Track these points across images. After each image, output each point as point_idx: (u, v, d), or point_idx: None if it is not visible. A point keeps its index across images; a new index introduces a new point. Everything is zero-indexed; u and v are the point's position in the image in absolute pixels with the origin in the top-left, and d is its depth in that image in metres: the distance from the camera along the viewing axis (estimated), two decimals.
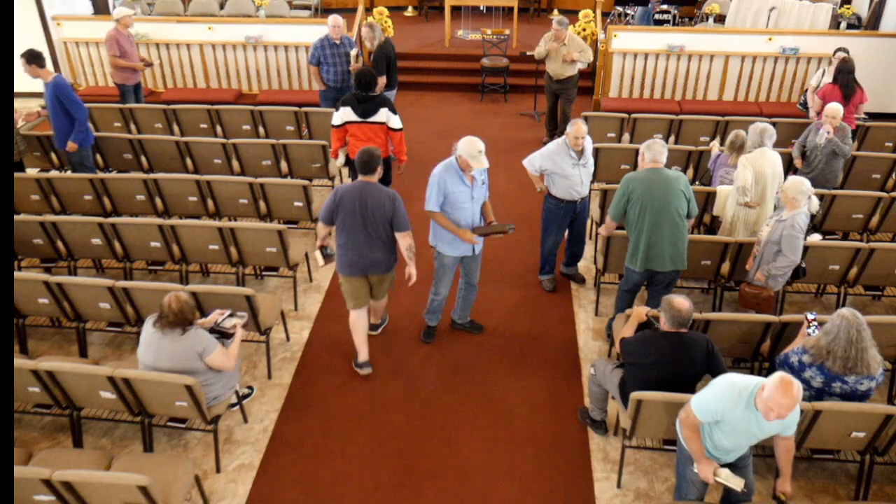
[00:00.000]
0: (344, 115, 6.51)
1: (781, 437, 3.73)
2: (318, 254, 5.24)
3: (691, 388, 4.22)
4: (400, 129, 6.55)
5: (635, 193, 5.19)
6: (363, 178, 4.95)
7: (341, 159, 6.77)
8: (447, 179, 5.12)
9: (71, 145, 6.98)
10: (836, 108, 6.45)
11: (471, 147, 5.03)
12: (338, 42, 8.17)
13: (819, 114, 7.23)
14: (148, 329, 4.37)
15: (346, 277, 5.14)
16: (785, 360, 4.23)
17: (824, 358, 4.02)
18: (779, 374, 3.37)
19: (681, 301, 4.17)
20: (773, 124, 6.19)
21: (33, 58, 6.67)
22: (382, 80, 8.04)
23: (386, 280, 5.26)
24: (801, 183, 5.01)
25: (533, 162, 5.97)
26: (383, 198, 4.92)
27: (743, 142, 6.12)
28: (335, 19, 8.13)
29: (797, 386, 3.32)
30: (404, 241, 5.03)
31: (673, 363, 4.17)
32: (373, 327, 5.77)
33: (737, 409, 3.51)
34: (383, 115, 6.49)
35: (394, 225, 4.96)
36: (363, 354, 5.41)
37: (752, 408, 3.47)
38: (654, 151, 5.23)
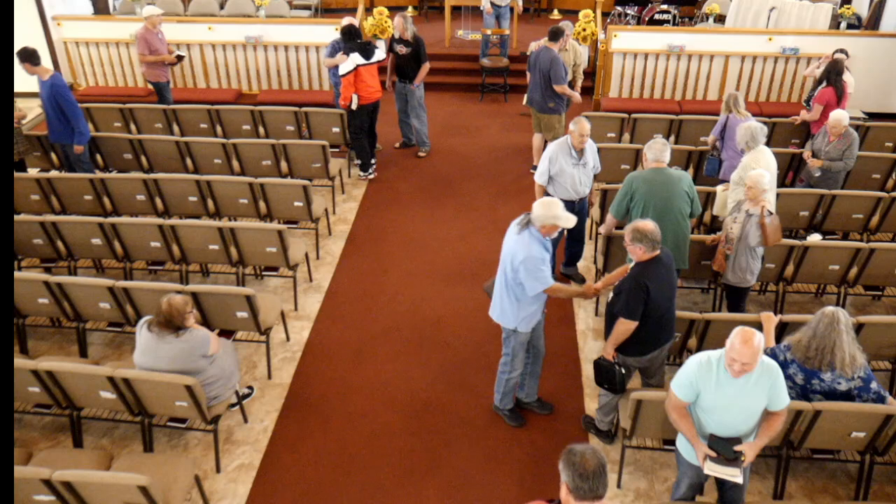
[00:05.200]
0: (355, 59, 7.51)
1: (770, 410, 3.64)
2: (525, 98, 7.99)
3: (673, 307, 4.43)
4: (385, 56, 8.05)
5: (638, 193, 5.20)
6: (547, 44, 7.51)
7: (355, 103, 7.64)
8: (538, 248, 4.41)
9: (78, 148, 7.01)
10: (838, 116, 6.42)
11: (547, 210, 4.35)
12: None
13: (820, 121, 7.21)
14: (144, 333, 4.36)
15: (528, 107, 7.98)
16: (772, 356, 4.19)
17: (803, 353, 4.02)
18: (740, 327, 3.43)
19: (644, 223, 4.19)
20: (774, 124, 6.20)
21: (27, 56, 6.66)
22: (427, 67, 8.26)
23: (542, 116, 7.80)
24: (762, 177, 5.02)
25: (543, 174, 5.90)
26: (547, 58, 7.43)
27: (735, 99, 6.50)
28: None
29: (758, 336, 3.37)
30: (558, 89, 7.51)
31: (668, 282, 4.28)
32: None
33: (710, 376, 3.54)
34: (380, 53, 7.70)
35: (550, 77, 7.44)
36: (537, 160, 7.71)
37: (726, 373, 3.50)
38: (656, 151, 5.26)
